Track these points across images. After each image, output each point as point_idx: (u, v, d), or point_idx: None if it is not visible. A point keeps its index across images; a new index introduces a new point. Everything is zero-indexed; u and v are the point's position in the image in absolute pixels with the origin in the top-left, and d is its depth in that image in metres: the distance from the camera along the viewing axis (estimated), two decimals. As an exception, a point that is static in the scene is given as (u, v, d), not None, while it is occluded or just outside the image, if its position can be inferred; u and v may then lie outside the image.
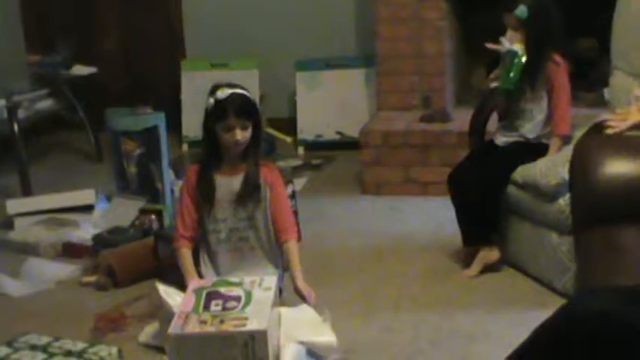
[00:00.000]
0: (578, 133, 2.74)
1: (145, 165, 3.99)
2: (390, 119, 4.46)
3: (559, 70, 3.28)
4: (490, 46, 3.33)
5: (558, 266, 3.03)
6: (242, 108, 2.86)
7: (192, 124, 5.09)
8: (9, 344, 2.74)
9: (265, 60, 5.22)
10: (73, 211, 4.01)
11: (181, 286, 2.76)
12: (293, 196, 3.61)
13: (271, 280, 2.64)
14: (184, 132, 5.26)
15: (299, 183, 4.34)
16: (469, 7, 4.52)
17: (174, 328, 2.41)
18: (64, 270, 3.50)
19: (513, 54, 3.25)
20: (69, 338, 2.78)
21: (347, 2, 5.19)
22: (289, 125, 5.23)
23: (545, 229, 3.11)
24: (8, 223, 4.01)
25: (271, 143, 5.00)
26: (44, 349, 2.72)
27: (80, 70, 5.13)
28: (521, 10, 3.22)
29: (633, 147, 2.43)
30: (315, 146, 5.11)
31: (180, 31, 5.54)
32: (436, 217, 3.85)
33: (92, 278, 3.38)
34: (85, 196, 4.09)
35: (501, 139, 3.39)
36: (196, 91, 4.95)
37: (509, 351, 1.88)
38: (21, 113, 4.67)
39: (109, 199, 4.10)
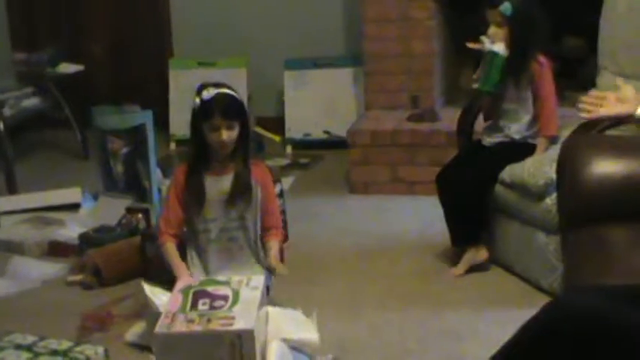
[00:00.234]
0: (566, 133, 2.73)
1: (131, 163, 3.97)
2: (378, 119, 4.46)
3: (543, 70, 3.26)
4: (471, 45, 3.31)
5: (546, 265, 3.04)
6: (228, 108, 2.85)
7: (179, 123, 5.08)
8: (-6, 344, 2.72)
9: (253, 59, 5.21)
10: (59, 209, 3.99)
11: (168, 285, 2.74)
12: (281, 195, 3.60)
13: (259, 279, 2.63)
14: (172, 130, 5.25)
15: (287, 182, 4.33)
16: (457, 7, 4.52)
17: (161, 327, 2.39)
18: (50, 269, 3.48)
19: (493, 55, 3.23)
20: (54, 337, 2.76)
21: (335, 1, 5.19)
22: (277, 124, 5.23)
23: (532, 228, 3.12)
24: (-6, 222, 3.99)
25: (259, 142, 5.00)
26: (29, 348, 2.70)
27: (67, 68, 5.11)
28: (506, 7, 3.19)
29: (621, 147, 2.43)
30: (303, 145, 5.11)
31: (168, 30, 5.52)
32: (424, 216, 3.85)
33: (78, 277, 3.36)
34: (71, 194, 4.07)
35: (487, 140, 3.39)
36: (184, 90, 4.95)
37: (496, 350, 1.88)
38: (7, 111, 4.65)
39: (95, 197, 4.09)
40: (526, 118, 3.30)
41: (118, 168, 4.02)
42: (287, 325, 2.59)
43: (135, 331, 2.82)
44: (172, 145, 5.24)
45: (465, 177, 3.26)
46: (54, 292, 3.32)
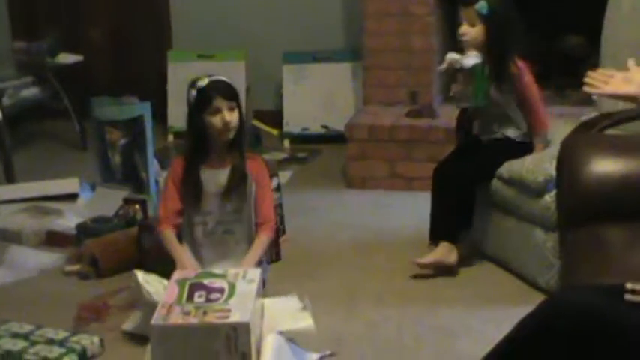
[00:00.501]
0: (566, 131, 2.73)
1: (129, 155, 3.97)
2: (376, 114, 4.46)
3: (522, 73, 3.23)
4: (443, 67, 3.27)
5: (542, 262, 3.04)
6: (226, 89, 2.88)
7: (177, 115, 5.05)
8: (-10, 332, 2.73)
9: (252, 52, 5.20)
10: (57, 199, 3.99)
11: (166, 276, 2.74)
12: (278, 189, 3.60)
13: (255, 272, 2.63)
14: (170, 122, 5.24)
15: (284, 176, 4.33)
16: (457, 3, 4.50)
17: (157, 318, 2.40)
18: (47, 258, 3.49)
19: (473, 69, 3.18)
20: (51, 327, 2.77)
21: (335, -4, 5.19)
22: (275, 118, 5.22)
23: (530, 225, 3.12)
24: (-9, 211, 3.99)
25: (257, 136, 4.99)
26: (26, 337, 2.71)
27: (66, 58, 5.10)
28: (481, 5, 3.17)
29: (620, 146, 2.44)
30: (301, 139, 5.10)
31: (167, 22, 5.51)
32: (421, 212, 3.83)
33: (75, 267, 3.37)
34: (69, 184, 4.07)
35: (485, 137, 3.39)
36: (182, 82, 4.83)
37: (491, 347, 1.89)
38: (5, 100, 4.65)
39: (93, 188, 4.09)
40: (518, 120, 3.29)
41: (116, 159, 4.02)
42: (282, 317, 2.60)
43: (133, 320, 2.82)
44: (170, 137, 5.23)
45: (460, 172, 3.26)
46: (51, 281, 3.32)
